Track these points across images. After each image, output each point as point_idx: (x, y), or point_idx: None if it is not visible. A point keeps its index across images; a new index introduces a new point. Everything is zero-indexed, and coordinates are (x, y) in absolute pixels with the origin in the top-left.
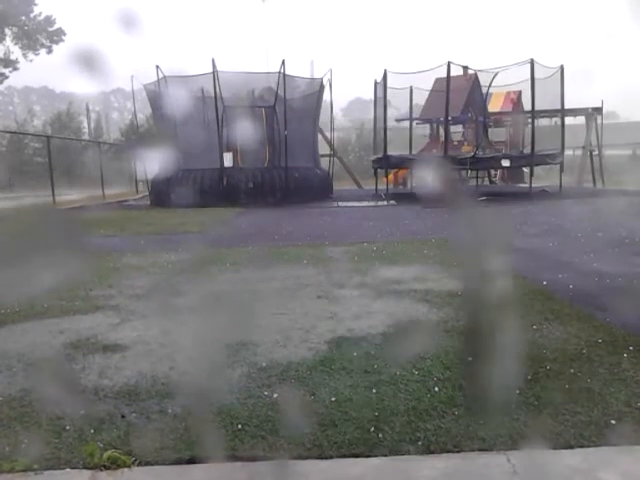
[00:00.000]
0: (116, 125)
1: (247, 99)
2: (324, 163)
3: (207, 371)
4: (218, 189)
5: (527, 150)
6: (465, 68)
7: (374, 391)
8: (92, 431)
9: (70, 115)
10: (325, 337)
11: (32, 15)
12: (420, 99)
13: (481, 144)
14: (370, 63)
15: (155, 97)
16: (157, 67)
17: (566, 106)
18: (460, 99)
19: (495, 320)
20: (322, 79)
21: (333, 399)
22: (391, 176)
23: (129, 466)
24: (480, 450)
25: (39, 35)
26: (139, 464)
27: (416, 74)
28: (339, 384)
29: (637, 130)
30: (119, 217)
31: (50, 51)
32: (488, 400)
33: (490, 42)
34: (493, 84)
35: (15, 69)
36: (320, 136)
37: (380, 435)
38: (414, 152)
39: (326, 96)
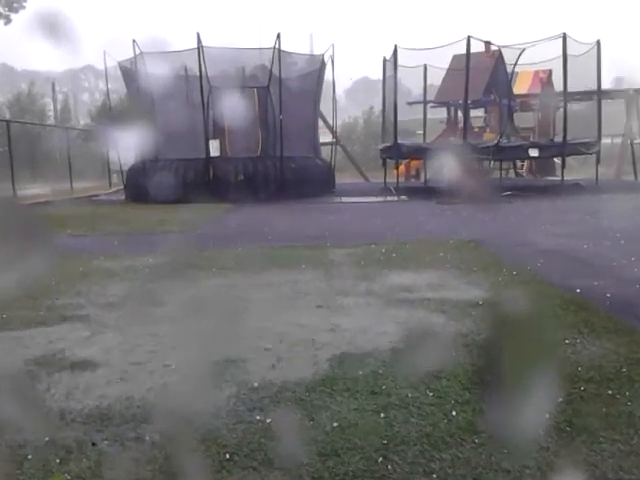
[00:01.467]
0: (86, 108)
1: (237, 78)
2: (325, 152)
3: (190, 392)
4: (203, 182)
5: (558, 138)
6: (487, 43)
7: (382, 415)
8: (58, 461)
9: (32, 96)
10: (326, 353)
11: None
12: (436, 79)
13: (506, 131)
14: (378, 38)
15: (131, 76)
16: (134, 42)
17: (603, 87)
18: (481, 79)
19: (521, 334)
20: (323, 56)
21: (335, 425)
22: (402, 167)
23: None
24: None
25: None
26: None
27: (431, 50)
28: (342, 407)
29: None
30: (90, 214)
31: (9, 21)
32: (513, 426)
33: (516, 13)
34: (519, 62)
35: None
36: (321, 121)
37: (389, 466)
38: (428, 140)
39: (328, 75)
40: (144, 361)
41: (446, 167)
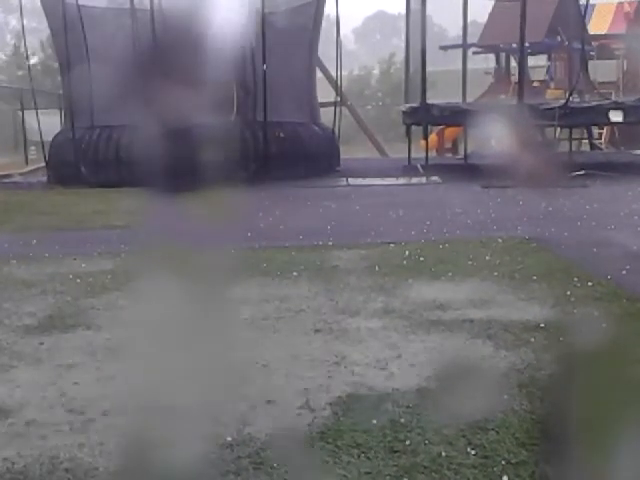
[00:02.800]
0: None
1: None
2: (326, 116)
3: (139, 449)
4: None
5: None
6: None
7: None
8: None
9: None
10: (327, 395)
11: None
12: (480, 15)
13: (577, 86)
14: None
15: (55, 9)
16: None
17: None
18: (544, 14)
19: (599, 369)
20: None
21: None
22: (433, 137)
23: None
24: None
25: None
26: None
27: None
28: (350, 471)
29: None
30: None
31: None
32: None
33: None
34: None
35: None
36: (320, 73)
37: None
38: (470, 99)
39: (329, 9)
40: (75, 406)
41: (494, 137)
